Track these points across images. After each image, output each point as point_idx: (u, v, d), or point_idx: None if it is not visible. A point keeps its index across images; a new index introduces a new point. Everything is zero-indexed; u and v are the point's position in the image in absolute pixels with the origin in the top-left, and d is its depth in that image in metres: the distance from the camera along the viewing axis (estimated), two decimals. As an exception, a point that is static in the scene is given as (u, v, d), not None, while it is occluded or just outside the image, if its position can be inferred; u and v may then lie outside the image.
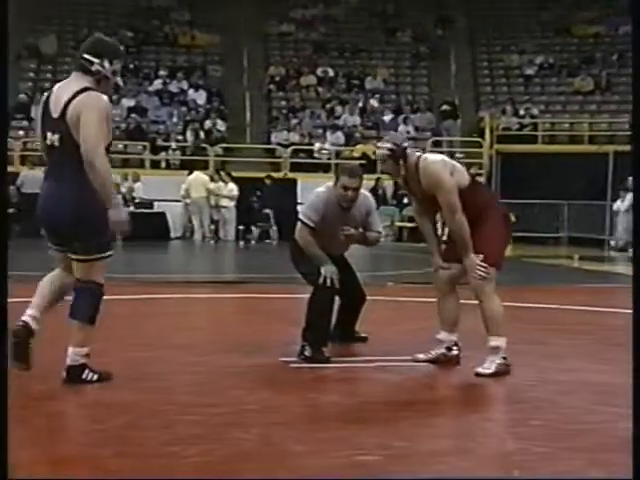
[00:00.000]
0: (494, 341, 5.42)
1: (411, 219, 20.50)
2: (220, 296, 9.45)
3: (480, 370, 5.36)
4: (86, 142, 4.66)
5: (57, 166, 4.89)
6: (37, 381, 5.03)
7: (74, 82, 4.92)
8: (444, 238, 5.82)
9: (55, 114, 4.81)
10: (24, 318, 4.97)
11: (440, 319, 5.76)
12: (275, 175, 20.64)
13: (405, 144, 5.58)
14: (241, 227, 19.78)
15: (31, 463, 3.54)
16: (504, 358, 5.42)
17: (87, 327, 4.91)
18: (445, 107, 23.78)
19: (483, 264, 5.39)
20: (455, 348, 5.73)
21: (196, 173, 19.32)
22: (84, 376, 4.89)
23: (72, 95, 4.80)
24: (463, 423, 4.48)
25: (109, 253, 4.96)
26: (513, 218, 18.16)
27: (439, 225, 5.86)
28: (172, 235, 19.62)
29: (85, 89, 4.81)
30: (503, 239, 5.60)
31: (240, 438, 3.95)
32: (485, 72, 26.30)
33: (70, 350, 4.89)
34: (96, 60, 4.89)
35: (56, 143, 4.83)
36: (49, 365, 5.49)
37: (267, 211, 19.66)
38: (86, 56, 4.91)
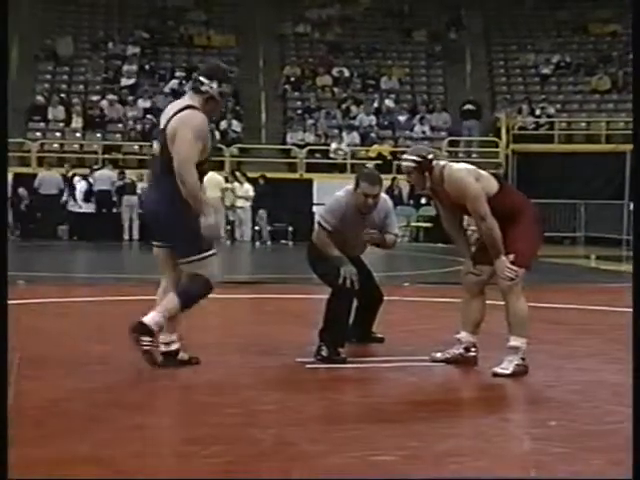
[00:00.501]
0: (514, 341, 5.40)
1: (427, 219, 20.50)
2: (236, 296, 9.46)
3: (498, 370, 5.35)
4: (178, 156, 5.08)
5: (155, 172, 5.35)
6: (51, 382, 5.05)
7: (185, 100, 5.40)
8: (472, 240, 5.84)
9: (161, 126, 5.31)
10: (162, 349, 5.41)
11: (463, 319, 5.75)
12: (280, 176, 20.59)
13: (430, 156, 5.54)
14: (257, 228, 19.78)
15: (47, 463, 3.55)
16: (523, 359, 5.40)
17: (177, 311, 5.25)
18: (469, 106, 23.65)
19: (513, 267, 5.38)
20: (473, 349, 5.72)
21: (211, 173, 19.26)
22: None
23: (177, 110, 5.26)
24: (479, 423, 4.47)
25: (209, 253, 5.24)
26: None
27: (469, 229, 5.88)
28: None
29: (188, 107, 5.24)
30: (534, 240, 5.56)
31: (257, 438, 3.95)
32: (501, 71, 26.23)
33: (161, 337, 5.30)
34: (206, 81, 5.29)
35: (157, 152, 5.31)
36: (63, 366, 5.52)
37: (261, 212, 19.60)
38: (199, 78, 5.34)
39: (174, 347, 5.43)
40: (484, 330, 5.77)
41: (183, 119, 5.16)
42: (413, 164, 5.51)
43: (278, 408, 4.56)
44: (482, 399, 5.12)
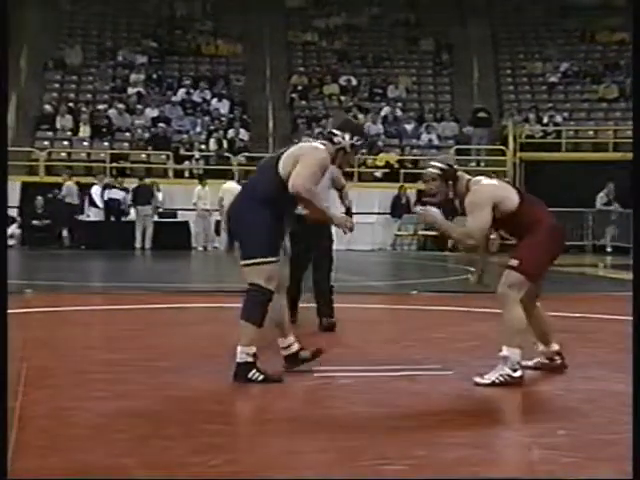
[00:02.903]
0: (505, 351, 5.37)
1: (433, 228, 20.46)
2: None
3: (477, 379, 5.34)
4: (297, 177, 5.21)
5: (252, 183, 5.53)
6: (59, 391, 5.06)
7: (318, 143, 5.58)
8: (494, 248, 5.90)
9: (283, 150, 5.49)
10: (283, 353, 5.54)
11: (534, 334, 5.80)
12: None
13: (455, 166, 5.55)
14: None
15: (55, 472, 3.55)
16: (514, 370, 5.35)
17: (251, 327, 5.25)
18: (481, 114, 23.57)
19: (514, 272, 5.38)
20: (557, 357, 5.77)
21: (229, 182, 19.33)
22: (250, 375, 5.21)
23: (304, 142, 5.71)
24: (487, 432, 4.46)
25: (270, 259, 5.27)
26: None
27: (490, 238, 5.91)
28: (194, 244, 19.66)
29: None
30: (543, 253, 5.49)
31: (264, 447, 3.94)
32: (508, 80, 26.22)
33: (238, 349, 5.25)
34: (339, 133, 5.52)
35: (266, 167, 5.49)
36: (72, 374, 5.53)
37: None
38: (332, 131, 5.57)
39: (294, 348, 5.54)
40: (491, 338, 5.76)
41: (308, 149, 5.39)
42: (438, 171, 5.48)
43: (285, 417, 4.55)
44: (490, 408, 5.10)
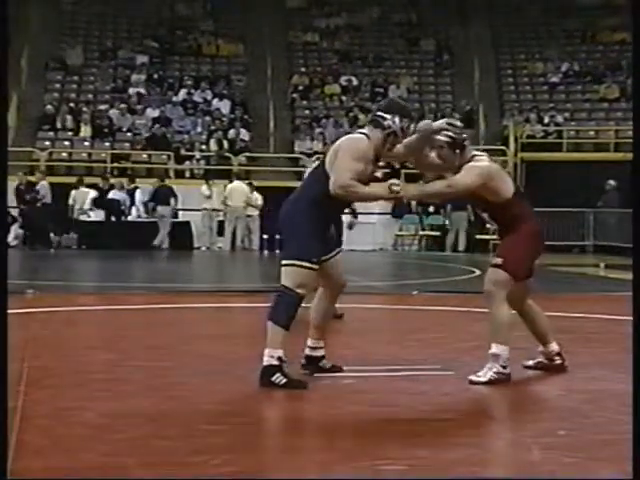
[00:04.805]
0: (495, 348, 5.38)
1: (434, 228, 20.50)
2: (244, 306, 9.46)
3: (474, 378, 5.35)
4: (334, 174, 5.11)
5: (305, 182, 5.52)
6: (60, 391, 5.06)
7: (363, 131, 5.36)
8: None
9: (331, 145, 5.41)
10: (307, 352, 5.52)
11: (534, 336, 5.81)
12: (289, 184, 20.57)
13: (464, 135, 5.48)
14: (265, 236, 19.75)
15: (55, 472, 3.55)
16: (504, 367, 5.38)
17: (278, 330, 5.13)
18: (467, 115, 23.59)
19: (498, 269, 5.39)
20: (557, 358, 5.76)
21: (236, 182, 19.34)
22: (274, 378, 5.09)
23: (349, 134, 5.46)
24: (488, 432, 4.46)
25: (306, 264, 5.15)
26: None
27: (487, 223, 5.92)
28: (196, 244, 19.67)
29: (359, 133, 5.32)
30: (526, 252, 5.53)
31: (265, 447, 3.95)
32: (509, 80, 26.21)
33: (265, 351, 5.15)
34: (388, 116, 5.25)
35: (314, 169, 5.53)
36: (72, 375, 5.53)
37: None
38: (379, 113, 5.31)
39: (319, 353, 5.49)
40: (484, 338, 5.75)
41: (348, 142, 5.22)
42: (448, 139, 5.40)
43: (286, 417, 4.55)
44: (491, 408, 5.11)
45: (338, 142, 5.30)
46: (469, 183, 5.38)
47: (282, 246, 5.45)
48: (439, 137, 5.43)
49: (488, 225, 5.85)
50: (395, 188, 5.16)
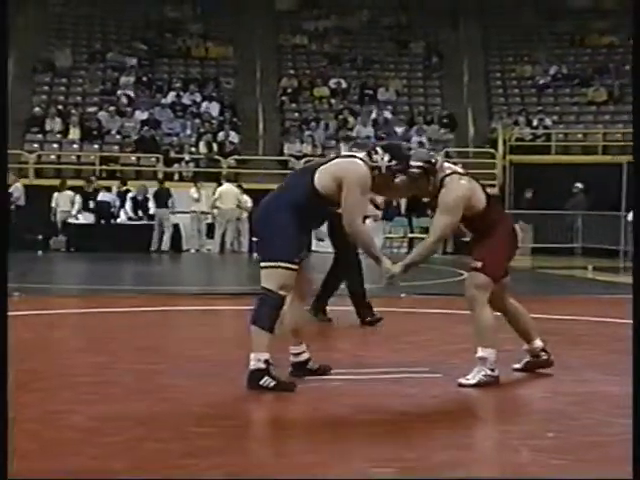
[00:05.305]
0: (481, 352, 5.40)
1: (422, 231, 20.51)
2: (234, 308, 9.45)
3: (462, 380, 5.36)
4: (346, 213, 5.19)
5: (287, 183, 5.44)
6: (48, 394, 5.05)
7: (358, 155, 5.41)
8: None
9: (324, 161, 5.46)
10: (292, 359, 5.52)
11: (519, 335, 5.82)
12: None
13: (433, 160, 5.46)
14: (254, 239, 19.73)
15: (44, 476, 3.54)
16: (492, 370, 5.39)
17: (263, 333, 5.11)
18: (447, 119, 23.67)
19: (478, 272, 5.41)
20: (543, 354, 5.78)
21: (227, 185, 19.33)
22: (262, 382, 5.09)
23: (344, 156, 5.55)
24: (477, 435, 4.47)
25: (287, 265, 5.13)
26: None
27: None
28: (185, 247, 19.67)
29: (353, 157, 5.36)
30: (503, 252, 5.56)
31: (255, 450, 3.95)
32: (498, 83, 26.28)
33: (251, 355, 5.14)
34: (380, 152, 5.35)
35: (299, 172, 5.67)
36: (60, 378, 5.52)
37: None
38: (377, 148, 5.41)
39: (304, 357, 5.50)
40: (472, 341, 5.77)
41: (348, 166, 5.24)
42: (419, 170, 5.36)
43: (276, 420, 4.55)
44: (479, 410, 5.12)
45: (335, 164, 5.28)
46: (451, 222, 5.39)
47: (258, 247, 5.41)
48: (412, 171, 5.38)
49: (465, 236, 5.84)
50: (388, 272, 5.35)
